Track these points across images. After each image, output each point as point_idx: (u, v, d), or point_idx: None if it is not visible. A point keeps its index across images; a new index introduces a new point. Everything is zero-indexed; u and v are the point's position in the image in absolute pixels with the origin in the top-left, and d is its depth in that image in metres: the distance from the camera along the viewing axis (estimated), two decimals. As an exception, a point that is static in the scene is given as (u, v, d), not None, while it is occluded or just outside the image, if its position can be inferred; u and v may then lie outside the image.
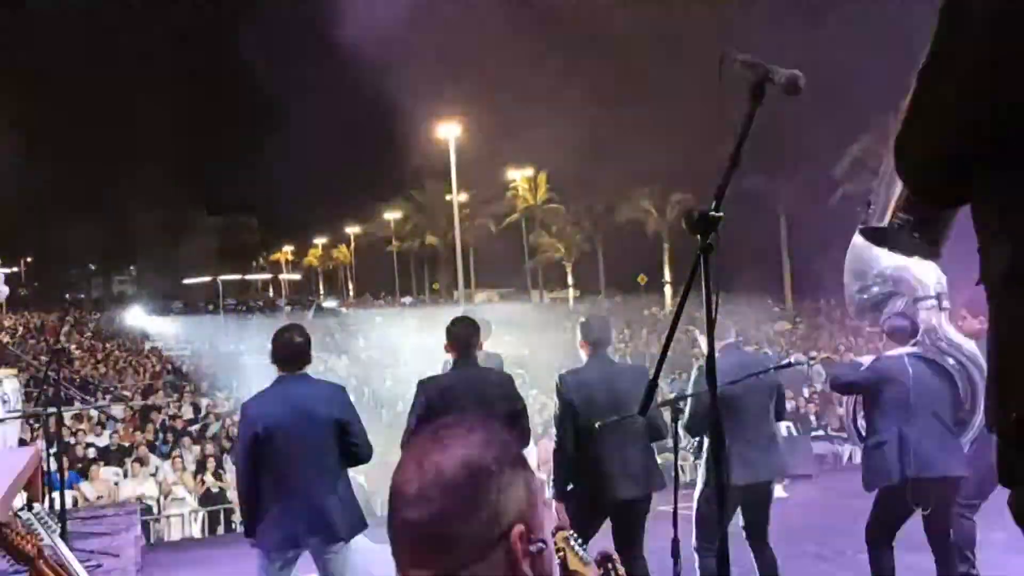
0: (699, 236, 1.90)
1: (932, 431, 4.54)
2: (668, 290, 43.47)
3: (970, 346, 4.72)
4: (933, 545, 4.71)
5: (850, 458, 11.78)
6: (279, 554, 4.25)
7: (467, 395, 4.40)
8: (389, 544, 1.17)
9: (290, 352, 4.37)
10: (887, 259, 4.73)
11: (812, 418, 13.13)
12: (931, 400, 4.58)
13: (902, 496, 4.53)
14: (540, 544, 1.17)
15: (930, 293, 4.71)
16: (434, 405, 4.37)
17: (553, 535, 3.29)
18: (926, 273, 4.75)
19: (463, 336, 4.57)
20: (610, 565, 3.02)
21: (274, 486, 4.23)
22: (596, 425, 4.28)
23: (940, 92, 1.36)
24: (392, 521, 1.15)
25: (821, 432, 12.66)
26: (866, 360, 5.00)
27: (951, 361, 4.74)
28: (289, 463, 4.23)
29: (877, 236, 1.70)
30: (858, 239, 4.96)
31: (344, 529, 4.29)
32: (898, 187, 1.65)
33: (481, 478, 1.13)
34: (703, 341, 4.51)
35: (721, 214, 1.90)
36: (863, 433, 4.89)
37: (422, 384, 4.53)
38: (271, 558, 4.26)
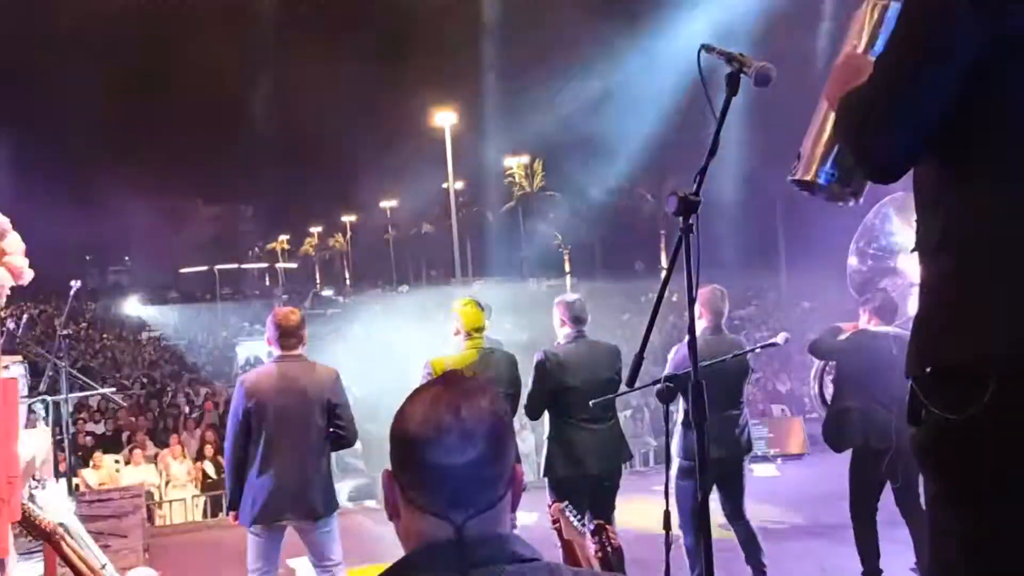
0: (680, 218, 2.02)
1: (898, 406, 4.72)
2: (664, 276, 43.52)
3: None
4: (906, 518, 4.89)
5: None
6: (263, 528, 4.39)
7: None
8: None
9: (285, 330, 4.49)
10: (893, 238, 4.89)
11: (805, 400, 13.30)
12: (900, 378, 4.75)
13: (869, 466, 4.73)
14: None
15: None
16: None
17: (549, 507, 3.44)
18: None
19: (472, 316, 4.71)
20: (604, 535, 3.16)
21: (261, 460, 4.36)
22: (591, 403, 4.43)
23: (908, 68, 1.48)
24: (427, 465, 1.25)
25: (814, 414, 12.82)
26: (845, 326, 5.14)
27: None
28: (278, 439, 4.36)
29: (804, 186, 1.84)
30: (870, 217, 5.11)
31: (323, 507, 4.45)
32: (821, 141, 1.78)
33: (505, 423, 1.30)
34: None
35: (700, 198, 2.02)
36: (826, 398, 5.10)
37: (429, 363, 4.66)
38: (257, 532, 4.40)
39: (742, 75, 1.93)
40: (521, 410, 4.88)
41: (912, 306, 4.99)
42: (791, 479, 8.17)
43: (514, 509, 1.31)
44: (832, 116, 1.70)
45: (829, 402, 5.02)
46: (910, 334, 1.64)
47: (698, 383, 2.15)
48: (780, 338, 4.33)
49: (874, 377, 4.73)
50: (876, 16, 1.69)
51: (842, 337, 4.85)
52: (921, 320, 1.60)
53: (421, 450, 1.25)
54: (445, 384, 1.32)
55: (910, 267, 5.05)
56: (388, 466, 1.33)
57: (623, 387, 4.19)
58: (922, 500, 4.95)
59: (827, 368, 5.25)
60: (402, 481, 1.28)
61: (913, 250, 1.62)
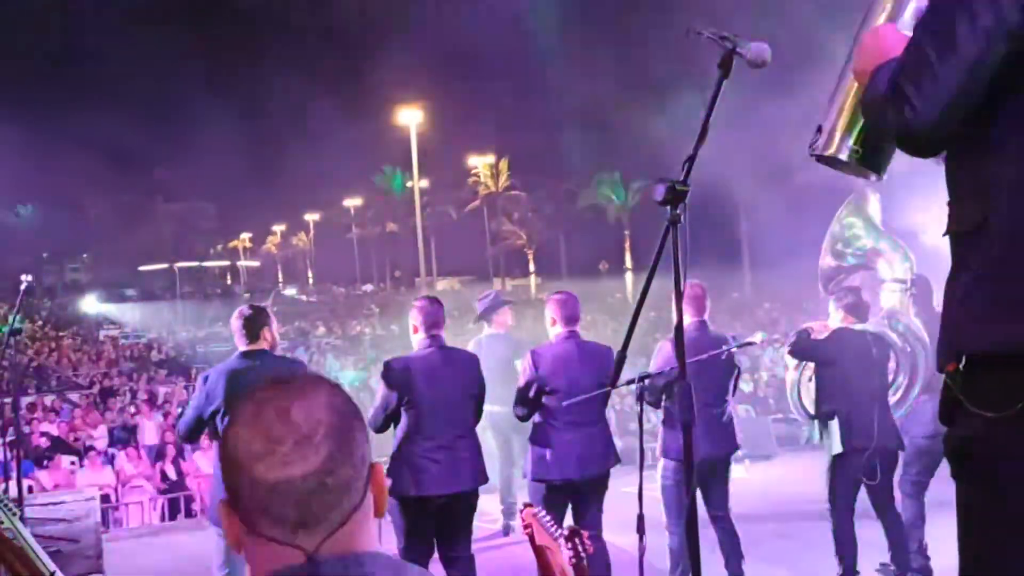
0: (668, 207, 1.91)
1: (882, 406, 4.70)
2: (629, 277, 43.75)
3: (924, 334, 4.88)
4: (883, 519, 4.87)
5: (809, 439, 12.00)
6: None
7: (436, 373, 4.38)
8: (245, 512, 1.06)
9: (246, 323, 4.36)
10: (865, 236, 4.86)
11: (771, 401, 13.35)
12: (878, 377, 4.75)
13: (852, 466, 4.69)
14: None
15: (900, 276, 4.82)
16: (398, 383, 4.34)
17: (522, 511, 3.33)
18: (899, 257, 4.88)
19: (432, 314, 4.53)
20: (578, 540, 3.06)
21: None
22: (563, 404, 4.32)
23: (952, 37, 1.38)
24: (263, 485, 1.04)
25: (780, 415, 12.87)
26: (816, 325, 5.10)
27: (901, 344, 4.89)
28: None
29: (826, 160, 1.75)
30: (842, 215, 5.07)
31: None
32: (845, 115, 1.70)
33: (348, 419, 1.10)
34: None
35: (689, 186, 1.92)
36: (804, 404, 5.06)
37: (389, 363, 4.49)
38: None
39: (735, 57, 1.83)
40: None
41: (885, 301, 5.00)
42: (759, 480, 8.14)
43: (379, 514, 1.13)
44: (857, 90, 1.60)
45: (811, 405, 4.96)
46: (940, 325, 1.52)
47: (686, 382, 2.05)
48: (757, 337, 4.27)
49: (855, 376, 4.68)
50: None
51: (820, 337, 4.80)
52: (956, 308, 1.48)
53: (252, 468, 1.04)
54: (269, 387, 1.11)
55: (880, 261, 5.02)
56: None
57: (616, 386, 4.04)
58: (897, 499, 4.94)
59: (803, 369, 5.19)
60: (239, 508, 1.07)
61: (945, 234, 1.52)
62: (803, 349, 4.94)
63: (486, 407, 4.78)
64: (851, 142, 1.68)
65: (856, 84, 1.61)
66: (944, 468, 4.96)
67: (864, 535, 4.96)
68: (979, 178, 1.43)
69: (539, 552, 3.21)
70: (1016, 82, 1.38)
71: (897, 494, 5.02)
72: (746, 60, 1.80)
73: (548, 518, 3.20)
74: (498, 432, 6.48)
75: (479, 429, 6.73)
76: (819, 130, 1.70)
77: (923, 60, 1.39)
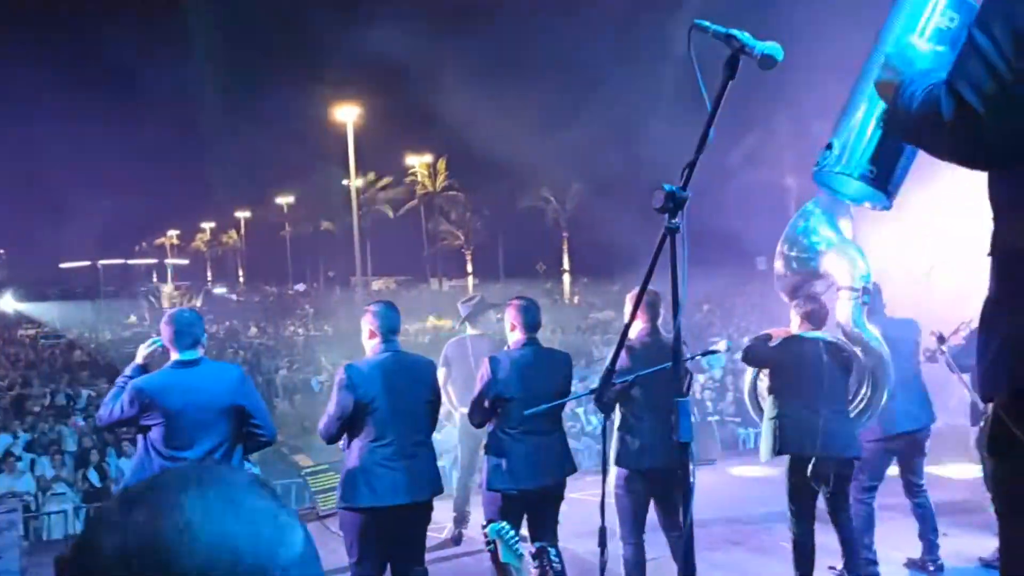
0: (667, 215, 1.81)
1: (832, 413, 4.70)
2: (567, 279, 43.97)
3: (876, 343, 4.90)
4: (836, 525, 4.88)
5: (744, 442, 12.14)
6: None
7: (394, 379, 4.23)
8: None
9: (180, 331, 4.14)
10: (819, 242, 4.85)
11: (708, 404, 13.47)
12: (833, 384, 4.75)
13: (805, 472, 4.68)
14: None
15: (854, 285, 4.82)
16: (362, 387, 4.18)
17: (484, 527, 3.19)
18: (854, 264, 4.87)
19: (389, 319, 4.36)
20: (545, 559, 2.94)
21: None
22: (524, 414, 4.20)
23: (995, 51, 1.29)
24: None
25: (717, 417, 13.00)
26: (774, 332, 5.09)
27: (857, 352, 4.91)
28: (185, 449, 4.03)
29: (830, 181, 1.67)
30: (793, 222, 5.05)
31: None
32: (862, 135, 1.61)
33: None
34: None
35: (688, 193, 1.81)
36: (762, 406, 5.05)
37: (350, 368, 4.30)
38: None
39: (742, 56, 1.72)
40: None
41: (841, 311, 5.01)
42: (706, 485, 8.16)
43: None
44: (874, 110, 1.52)
45: (765, 410, 4.95)
46: (979, 350, 1.43)
47: (680, 386, 1.94)
48: (722, 345, 4.21)
49: (806, 382, 4.68)
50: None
51: (773, 344, 4.79)
52: (1006, 334, 1.39)
53: None
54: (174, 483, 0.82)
55: (833, 268, 5.01)
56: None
57: (597, 402, 3.91)
58: (851, 505, 4.95)
59: (758, 374, 5.19)
60: None
61: (989, 254, 1.43)
62: (755, 355, 4.94)
63: (463, 410, 4.66)
64: (866, 161, 1.59)
65: (872, 101, 1.52)
66: (890, 474, 4.97)
67: (820, 540, 4.96)
68: None
69: (502, 569, 3.09)
70: None
71: None
72: (756, 60, 1.70)
73: (513, 535, 3.08)
74: (471, 437, 6.35)
75: (457, 435, 6.59)
76: (829, 147, 1.61)
77: (979, 59, 1.31)
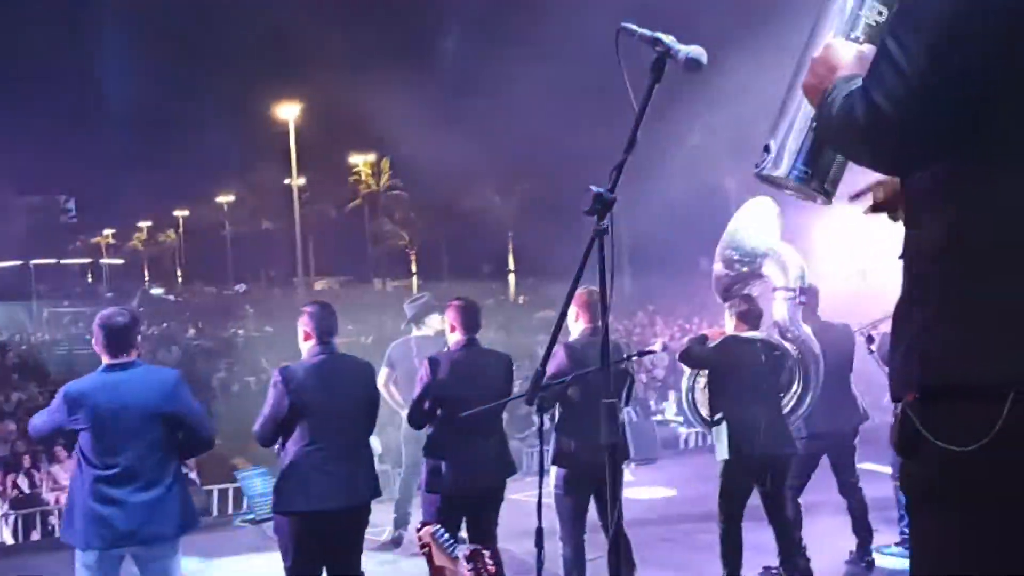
0: (595, 218, 1.81)
1: (769, 412, 4.79)
2: (512, 279, 44.02)
3: (810, 343, 5.02)
4: (773, 522, 4.97)
5: (686, 441, 12.29)
6: (99, 555, 3.91)
7: (331, 381, 4.18)
8: None
9: (112, 334, 4.02)
10: (757, 243, 4.94)
11: (651, 403, 13.63)
12: (769, 384, 4.85)
13: (740, 472, 4.77)
14: None
15: (790, 285, 4.91)
16: (297, 390, 4.11)
17: (419, 530, 3.16)
18: (791, 265, 4.97)
19: (325, 320, 4.30)
20: (479, 561, 2.93)
21: (93, 481, 3.90)
22: (461, 415, 4.19)
23: (929, 42, 1.31)
24: None
25: (659, 416, 13.15)
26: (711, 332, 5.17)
27: (792, 351, 5.01)
28: (114, 456, 3.91)
29: (772, 181, 1.69)
30: (732, 223, 5.14)
31: (171, 528, 4.03)
32: (794, 136, 1.63)
33: None
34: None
35: (616, 196, 1.82)
36: (699, 410, 5.13)
37: (284, 370, 4.23)
38: (91, 560, 3.92)
39: (668, 60, 1.74)
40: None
41: (778, 311, 5.11)
42: (644, 484, 8.24)
43: None
44: (808, 110, 1.53)
45: (702, 411, 5.02)
46: (890, 351, 1.47)
47: (611, 389, 1.95)
48: (658, 346, 4.28)
49: (744, 382, 4.76)
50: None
51: (711, 344, 4.86)
52: (914, 335, 1.42)
53: None
54: None
55: (770, 269, 5.12)
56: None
57: (528, 403, 3.91)
58: (788, 505, 5.04)
59: (696, 375, 5.25)
60: None
61: (900, 256, 1.46)
62: (693, 356, 5.00)
63: (405, 413, 4.62)
64: (800, 164, 1.61)
65: (805, 103, 1.54)
66: (820, 471, 5.09)
67: (751, 539, 5.05)
68: (944, 198, 1.38)
69: (437, 572, 3.07)
70: (995, 100, 1.32)
71: None
72: (680, 64, 1.72)
73: (447, 537, 3.06)
74: (415, 439, 6.31)
75: (401, 437, 6.53)
76: (766, 149, 1.63)
77: (889, 64, 1.33)
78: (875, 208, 1.67)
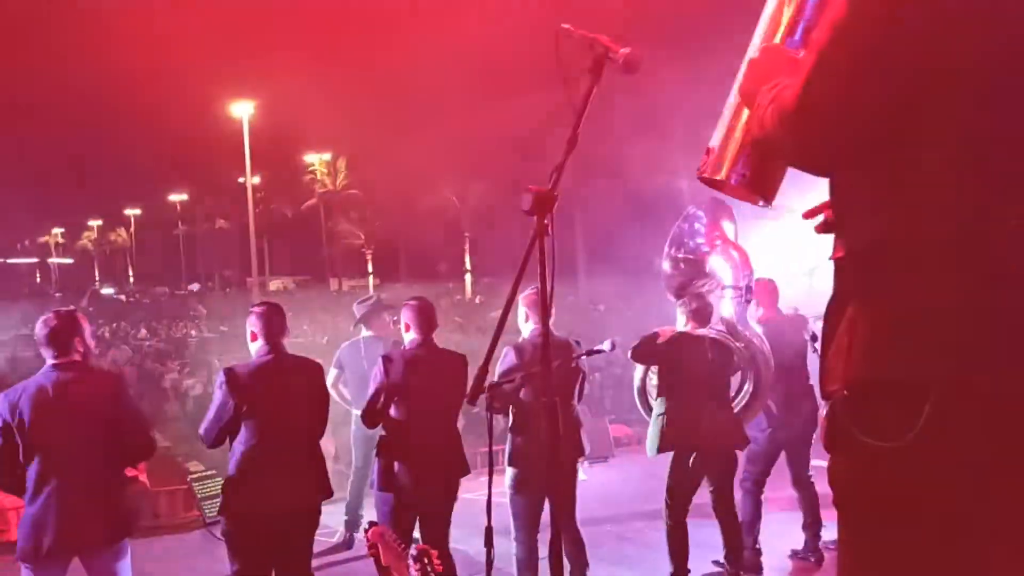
0: (535, 217, 1.82)
1: (716, 408, 4.86)
2: (468, 279, 43.93)
3: (759, 340, 5.09)
4: (720, 517, 5.03)
5: (639, 439, 12.39)
6: (41, 563, 3.84)
7: (279, 381, 4.13)
8: None
9: (49, 334, 3.95)
10: (704, 243, 5.00)
11: (607, 402, 13.70)
12: (718, 380, 4.92)
13: (687, 467, 4.82)
14: None
15: (738, 284, 4.98)
16: (241, 391, 4.05)
17: (367, 530, 3.15)
18: (738, 264, 5.04)
19: (272, 321, 4.25)
20: (426, 560, 2.93)
21: (35, 488, 3.84)
22: (414, 414, 4.18)
23: (853, 48, 1.35)
24: None
25: (614, 416, 13.23)
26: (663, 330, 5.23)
27: (740, 348, 5.08)
28: (52, 462, 3.85)
29: (714, 184, 1.71)
30: (679, 223, 5.20)
31: (115, 534, 3.99)
32: (733, 139, 1.66)
33: None
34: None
35: (557, 195, 1.84)
36: (650, 404, 5.18)
37: (229, 371, 4.17)
38: (33, 568, 3.85)
39: (607, 61, 1.75)
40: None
41: (726, 309, 5.18)
42: (598, 482, 8.29)
43: None
44: (746, 113, 1.56)
45: (653, 407, 5.08)
46: (821, 350, 1.50)
47: (552, 397, 1.96)
48: (607, 344, 4.29)
49: (693, 378, 4.81)
50: (795, 4, 1.58)
51: (661, 342, 4.91)
52: (842, 332, 1.45)
53: None
54: None
55: (718, 268, 5.20)
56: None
57: (470, 402, 3.91)
58: (737, 502, 5.11)
59: (647, 371, 5.31)
60: None
61: (831, 257, 1.49)
62: (642, 352, 5.06)
63: (357, 412, 4.58)
64: (739, 167, 1.64)
65: (743, 107, 1.57)
66: (780, 467, 5.16)
67: (702, 534, 5.11)
68: (871, 199, 1.42)
69: (385, 572, 3.06)
70: (919, 104, 1.36)
71: (737, 492, 5.20)
72: (618, 64, 1.74)
73: (395, 537, 3.06)
74: (366, 440, 6.26)
75: (352, 437, 6.47)
76: (708, 152, 1.66)
77: (820, 84, 1.37)
78: (827, 226, 1.71)
